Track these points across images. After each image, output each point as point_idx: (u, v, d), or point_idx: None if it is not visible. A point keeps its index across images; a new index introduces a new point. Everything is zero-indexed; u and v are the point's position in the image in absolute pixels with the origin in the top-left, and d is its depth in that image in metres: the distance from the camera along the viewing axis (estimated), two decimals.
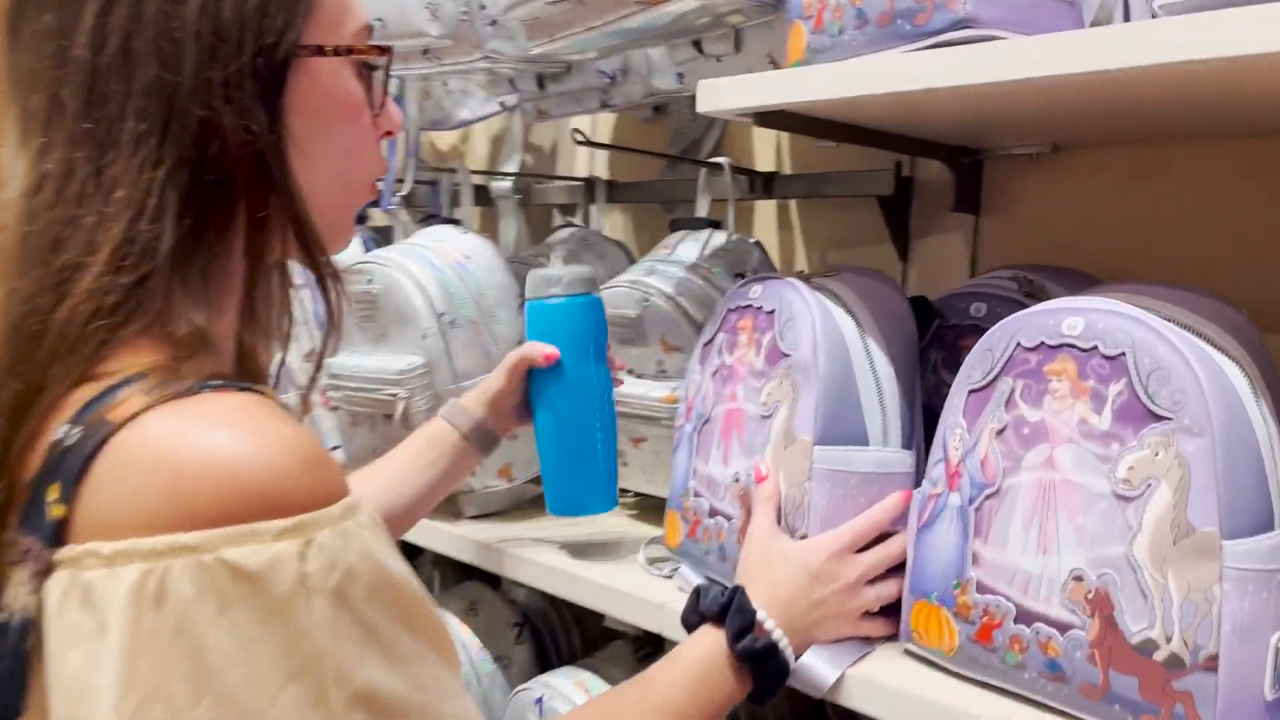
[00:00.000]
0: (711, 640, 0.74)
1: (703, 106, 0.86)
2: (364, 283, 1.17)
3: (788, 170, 1.27)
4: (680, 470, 0.96)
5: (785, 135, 1.28)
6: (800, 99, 0.78)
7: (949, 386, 0.97)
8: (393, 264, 1.15)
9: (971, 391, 0.76)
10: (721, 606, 0.74)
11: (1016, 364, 0.73)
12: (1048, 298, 0.93)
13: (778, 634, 0.74)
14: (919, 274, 1.14)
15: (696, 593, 0.77)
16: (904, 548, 0.80)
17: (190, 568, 0.44)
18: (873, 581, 0.80)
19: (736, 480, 0.88)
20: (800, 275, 0.92)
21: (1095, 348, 0.68)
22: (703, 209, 1.18)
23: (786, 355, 0.85)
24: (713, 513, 0.91)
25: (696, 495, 0.93)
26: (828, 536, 0.79)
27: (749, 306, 0.91)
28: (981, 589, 0.73)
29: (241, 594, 0.44)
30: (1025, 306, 0.92)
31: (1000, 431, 0.73)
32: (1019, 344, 0.73)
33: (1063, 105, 0.83)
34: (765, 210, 1.31)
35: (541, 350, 0.94)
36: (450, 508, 1.22)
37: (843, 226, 1.23)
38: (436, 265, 1.16)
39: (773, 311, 0.87)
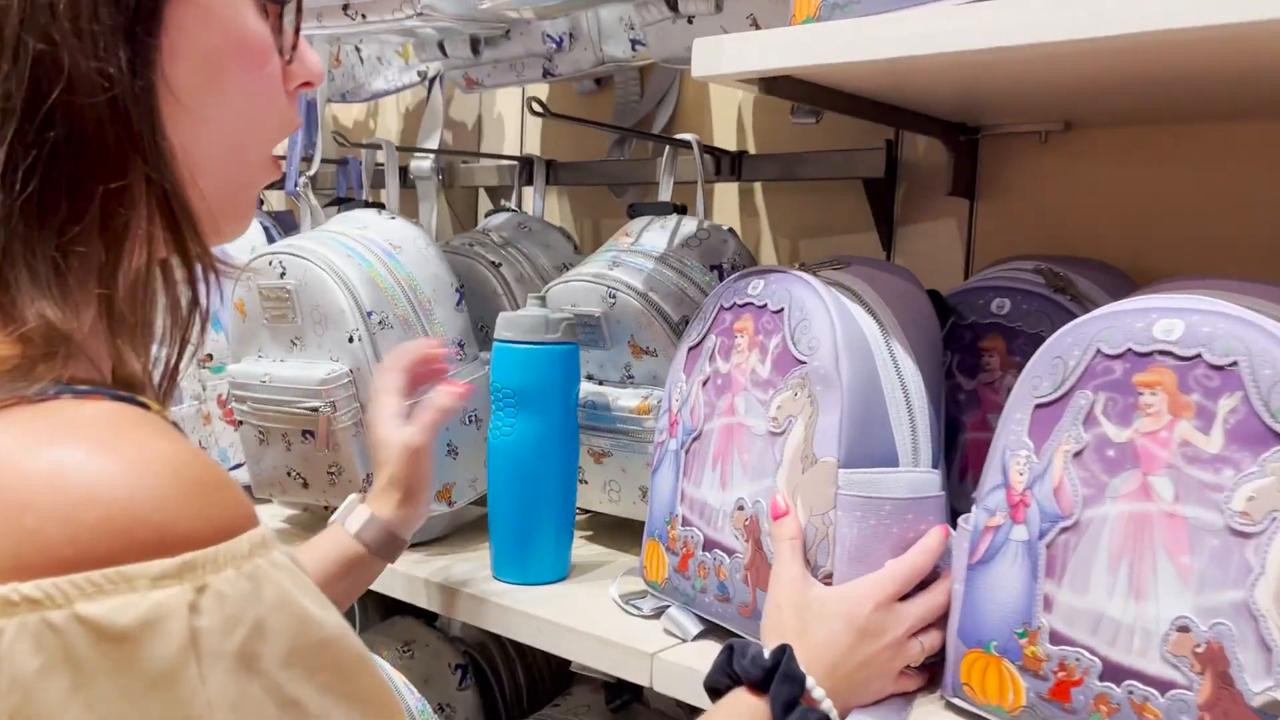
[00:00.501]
0: (750, 711, 0.61)
1: (700, 70, 0.73)
2: (274, 276, 1.00)
3: (753, 150, 1.15)
4: (664, 494, 0.83)
5: (750, 111, 1.16)
6: (831, 60, 0.65)
7: (965, 394, 0.86)
8: (310, 255, 0.98)
9: (1039, 406, 0.64)
10: (766, 670, 0.61)
11: (1096, 374, 0.62)
12: (1077, 293, 0.83)
13: (827, 704, 0.62)
14: (908, 265, 1.03)
15: (729, 651, 0.64)
16: (949, 593, 0.69)
17: (32, 629, 0.33)
18: (917, 632, 0.69)
19: (740, 508, 0.76)
20: (804, 267, 0.80)
21: (1199, 355, 0.58)
22: (666, 192, 1.04)
23: (802, 362, 0.73)
24: (709, 545, 0.78)
25: (686, 524, 0.80)
26: (870, 584, 0.68)
27: (749, 304, 0.78)
28: (1056, 639, 0.62)
29: (106, 662, 0.33)
30: (1055, 304, 0.83)
31: (1078, 454, 0.62)
32: (1099, 351, 0.62)
33: (1090, 74, 0.73)
34: (725, 195, 1.18)
35: (458, 392, 0.83)
36: None
37: (816, 212, 1.11)
38: (362, 256, 1.00)
39: (780, 311, 0.75)
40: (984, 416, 0.84)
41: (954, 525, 0.85)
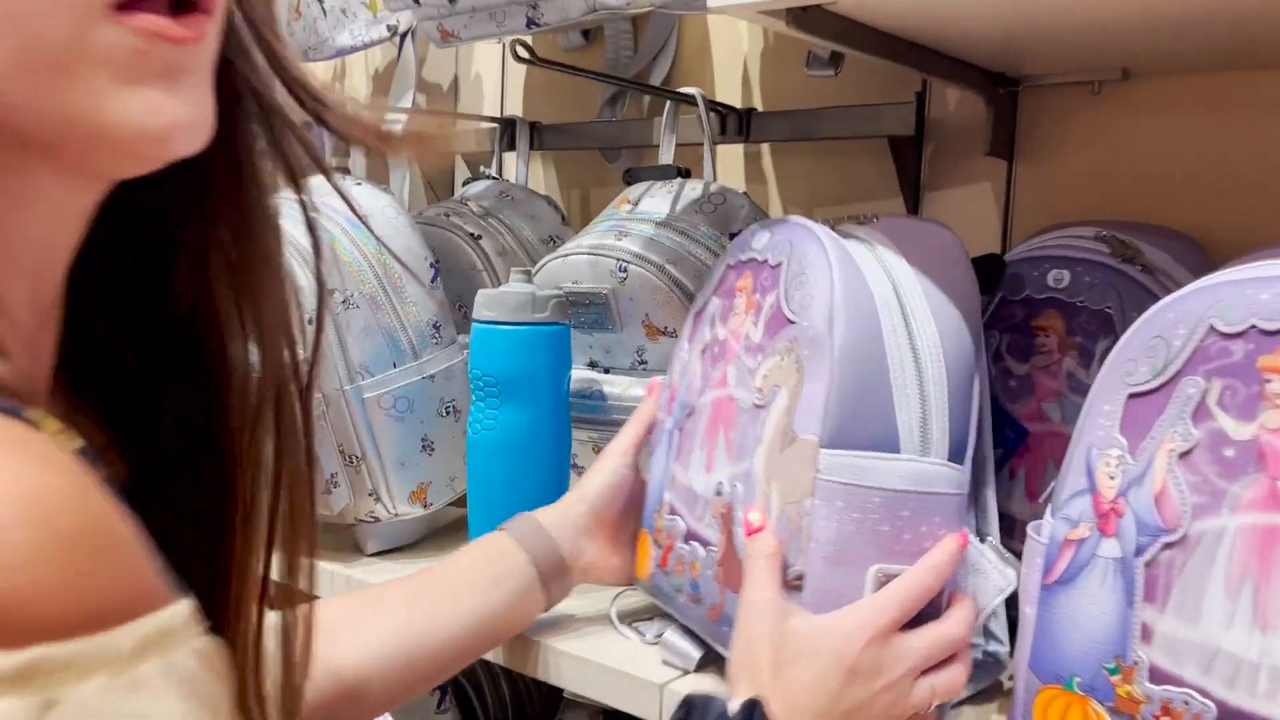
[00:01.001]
0: None
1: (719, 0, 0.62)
2: None
3: (760, 108, 1.03)
4: (655, 480, 0.73)
5: (756, 65, 1.04)
6: None
7: (1016, 379, 0.76)
8: None
9: (1134, 396, 0.53)
10: None
11: (1209, 356, 0.51)
12: (1148, 264, 0.72)
13: None
14: None
15: (686, 710, 0.53)
16: (971, 623, 0.58)
17: None
18: (926, 671, 0.57)
19: (719, 493, 0.65)
20: (825, 223, 0.68)
21: None
22: (667, 154, 0.93)
23: (792, 322, 0.61)
24: (689, 536, 0.68)
25: (672, 513, 0.70)
26: (865, 611, 0.56)
27: (751, 260, 0.68)
28: (1158, 677, 0.51)
29: None
30: (1124, 275, 0.72)
31: (1185, 454, 0.51)
32: (1212, 328, 0.51)
33: (1155, 12, 0.63)
34: (729, 158, 1.07)
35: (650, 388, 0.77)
36: (346, 541, 0.95)
37: (833, 176, 1.00)
38: (325, 227, 0.88)
39: (779, 265, 0.64)
40: (1038, 405, 0.74)
41: (1010, 533, 0.75)
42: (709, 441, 0.67)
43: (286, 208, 0.89)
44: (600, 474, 0.73)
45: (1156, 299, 0.71)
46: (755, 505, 0.61)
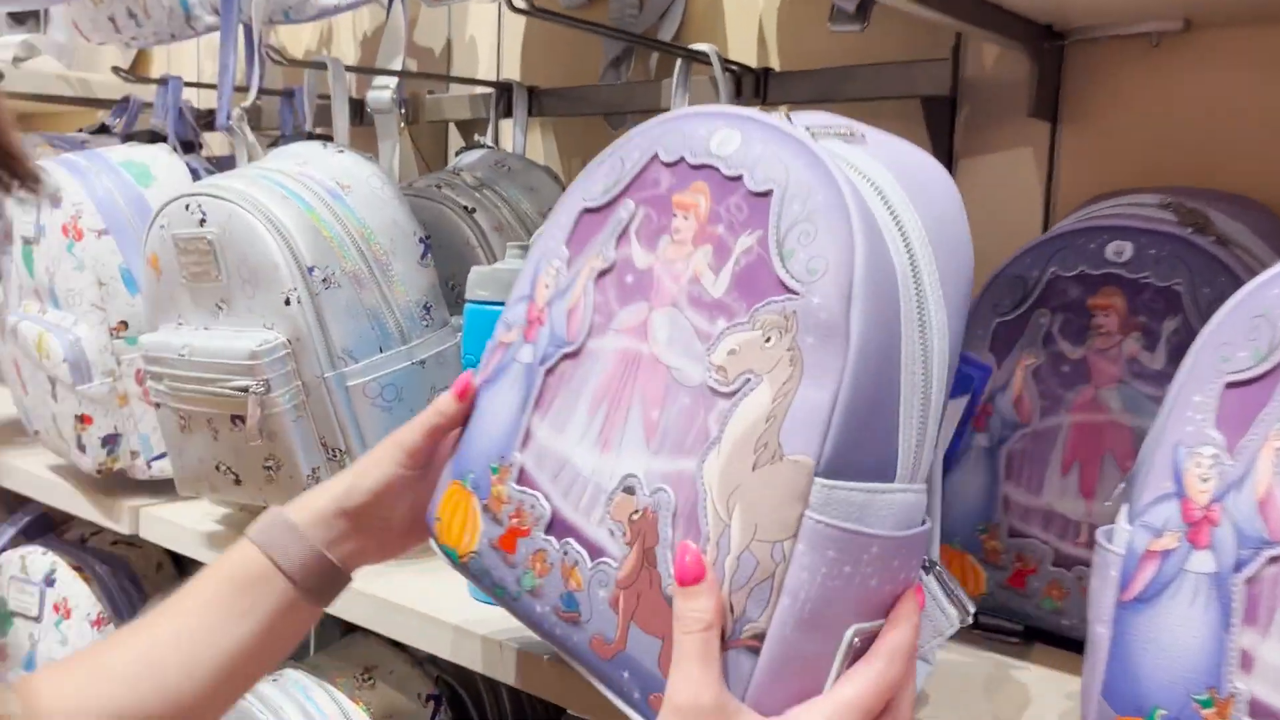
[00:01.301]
0: None
1: None
2: (192, 224, 0.80)
3: (778, 67, 0.95)
4: (496, 422, 0.56)
5: (773, 22, 0.96)
6: None
7: (1070, 364, 0.68)
8: (235, 196, 0.79)
9: (1231, 385, 0.46)
10: None
11: None
12: (1220, 235, 0.64)
13: None
14: (969, 205, 0.84)
15: None
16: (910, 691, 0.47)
17: None
18: None
19: (628, 490, 0.49)
20: (793, 120, 0.50)
21: None
22: None
23: (791, 291, 0.45)
24: (561, 529, 0.52)
25: (523, 483, 0.54)
26: (832, 706, 0.44)
27: (707, 167, 0.49)
28: (1259, 711, 0.44)
29: None
30: (1195, 248, 0.64)
31: None
32: None
33: None
34: None
35: (459, 385, 0.59)
36: None
37: None
38: (301, 198, 0.80)
39: (766, 194, 0.47)
40: (1095, 393, 0.66)
41: (1063, 535, 0.68)
42: (609, 407, 0.51)
43: (259, 178, 0.81)
44: (367, 475, 0.58)
45: (1232, 274, 0.64)
46: (695, 531, 0.46)
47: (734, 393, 0.46)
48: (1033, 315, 0.68)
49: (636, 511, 0.49)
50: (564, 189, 1.01)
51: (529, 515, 0.54)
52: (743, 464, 0.45)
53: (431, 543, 0.60)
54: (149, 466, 0.99)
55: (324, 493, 0.59)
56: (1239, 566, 0.45)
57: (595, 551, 0.50)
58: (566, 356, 0.54)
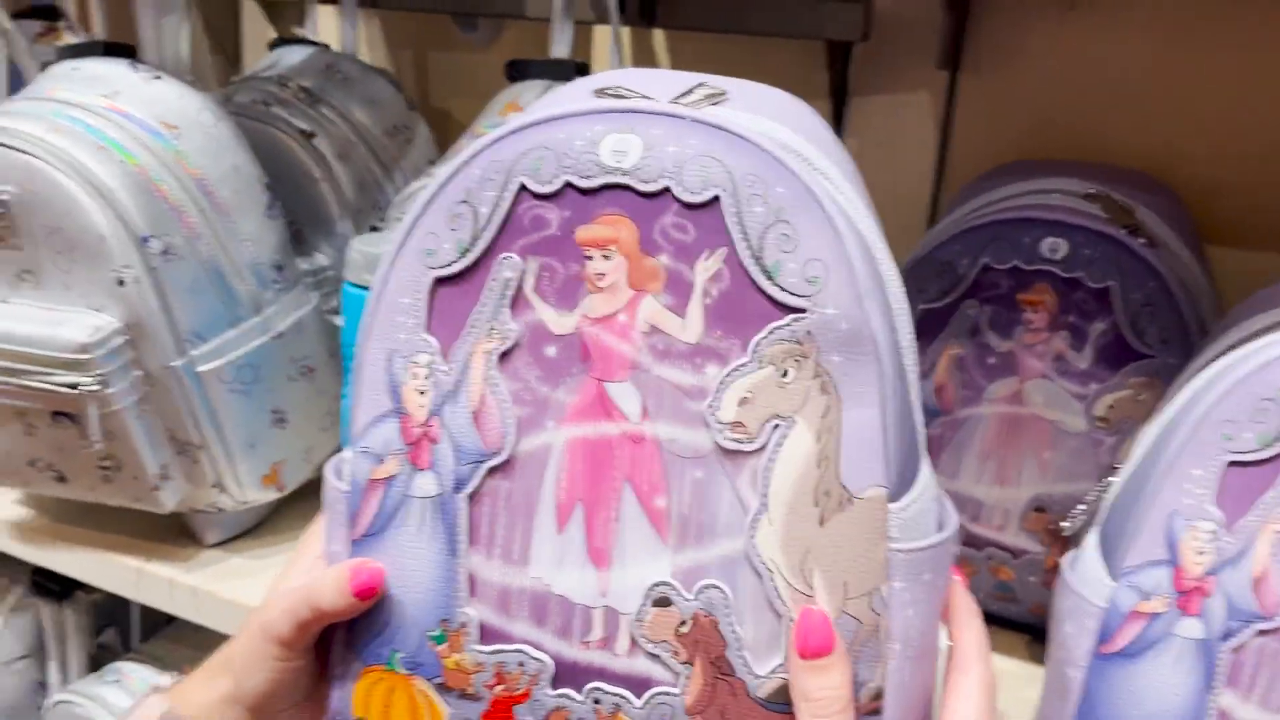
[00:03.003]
0: None
1: None
2: None
3: None
4: (417, 580, 0.43)
5: None
6: None
7: (996, 357, 0.68)
8: (34, 146, 0.63)
9: (1235, 464, 0.46)
10: None
11: None
12: (1150, 235, 0.65)
13: None
14: (857, 156, 0.81)
15: None
16: None
17: None
18: None
19: (662, 603, 0.42)
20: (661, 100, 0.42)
21: None
22: (563, 43, 0.75)
23: (798, 311, 0.38)
24: (573, 676, 0.43)
25: (488, 637, 0.43)
26: None
27: (610, 187, 0.39)
28: None
29: None
30: (1129, 250, 0.64)
31: None
32: None
33: None
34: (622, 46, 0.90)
35: (360, 578, 0.43)
36: (179, 529, 0.77)
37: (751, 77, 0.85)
38: (121, 146, 0.66)
39: (712, 202, 0.39)
40: (1020, 387, 0.67)
41: (975, 518, 0.69)
42: (586, 514, 0.42)
43: (59, 117, 0.66)
44: (250, 676, 0.45)
45: (1162, 280, 0.65)
46: (772, 617, 0.41)
47: (762, 447, 0.40)
48: (961, 305, 0.66)
49: (684, 623, 0.41)
50: (409, 102, 0.89)
51: (520, 675, 0.43)
52: (806, 523, 0.40)
53: None
54: None
55: (208, 685, 0.46)
56: (1227, 636, 0.47)
57: (639, 685, 0.42)
58: (493, 472, 0.42)
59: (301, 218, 0.81)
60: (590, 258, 0.40)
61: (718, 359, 0.40)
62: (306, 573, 0.45)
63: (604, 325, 0.41)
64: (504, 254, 0.40)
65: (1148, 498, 0.49)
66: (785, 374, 0.39)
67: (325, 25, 0.95)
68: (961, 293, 0.66)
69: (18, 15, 0.96)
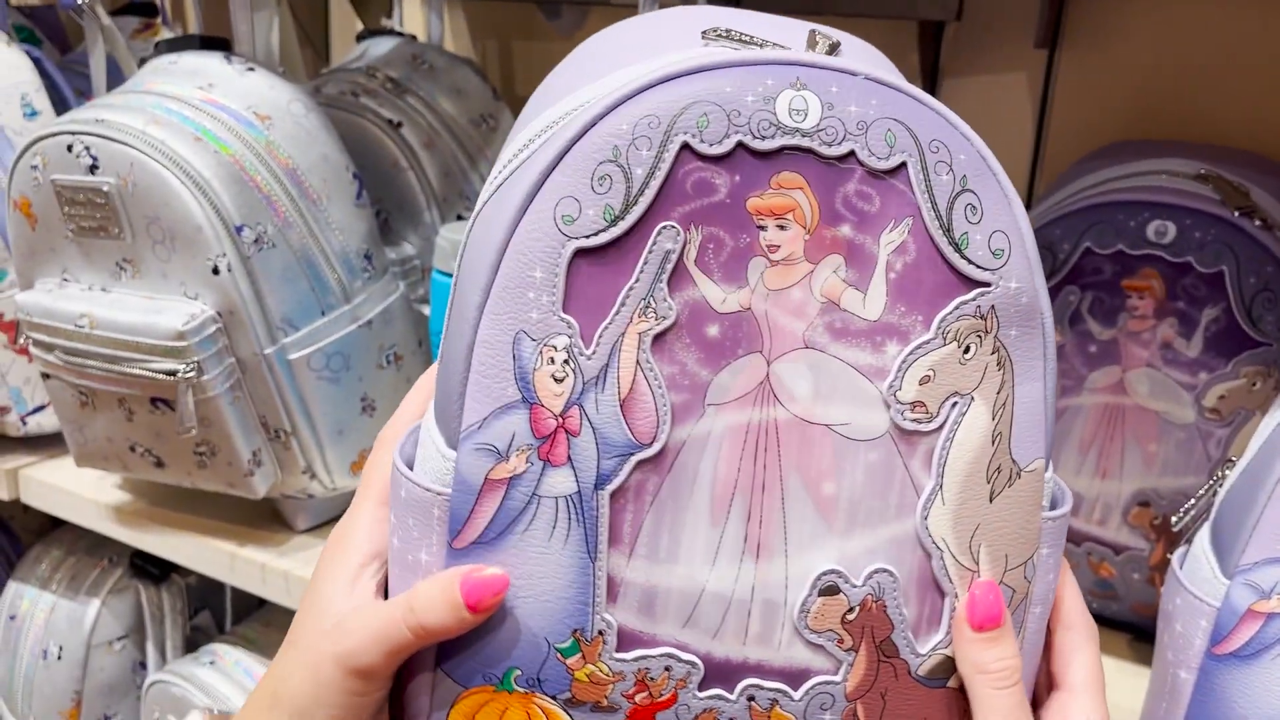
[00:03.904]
0: None
1: None
2: (80, 171, 0.66)
3: None
4: (545, 589, 0.39)
5: None
6: None
7: (1098, 345, 0.65)
8: (135, 139, 0.65)
9: None
10: None
11: None
12: (1264, 217, 0.62)
13: None
14: None
15: None
16: None
17: None
18: None
19: (829, 591, 0.39)
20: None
21: None
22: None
23: (983, 285, 0.37)
24: (725, 675, 0.40)
25: (628, 643, 0.39)
26: (1096, 708, 0.42)
27: (788, 150, 0.36)
28: None
29: None
30: (1244, 233, 0.61)
31: None
32: None
33: None
34: None
35: (475, 588, 0.37)
36: (268, 514, 0.79)
37: None
38: (217, 138, 0.67)
39: (898, 169, 0.36)
40: (1122, 377, 0.64)
41: (1075, 511, 0.66)
42: (749, 505, 0.39)
43: (158, 109, 0.68)
44: (317, 711, 0.38)
45: (1278, 263, 0.62)
46: (938, 596, 0.39)
47: (940, 426, 0.38)
48: (1061, 291, 0.64)
49: (852, 610, 0.39)
50: (495, 92, 0.89)
51: (666, 679, 0.40)
52: (978, 500, 0.39)
53: None
54: (23, 423, 0.85)
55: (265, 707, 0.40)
56: None
57: (797, 677, 0.40)
58: (642, 465, 0.38)
59: (389, 207, 0.82)
60: (764, 228, 0.36)
61: (899, 336, 0.37)
62: (352, 587, 0.40)
63: (775, 302, 0.37)
64: (663, 223, 0.36)
65: (1267, 491, 0.47)
66: (968, 350, 0.38)
67: (411, 16, 0.96)
68: (1061, 278, 0.64)
69: (116, 12, 0.99)
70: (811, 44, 0.39)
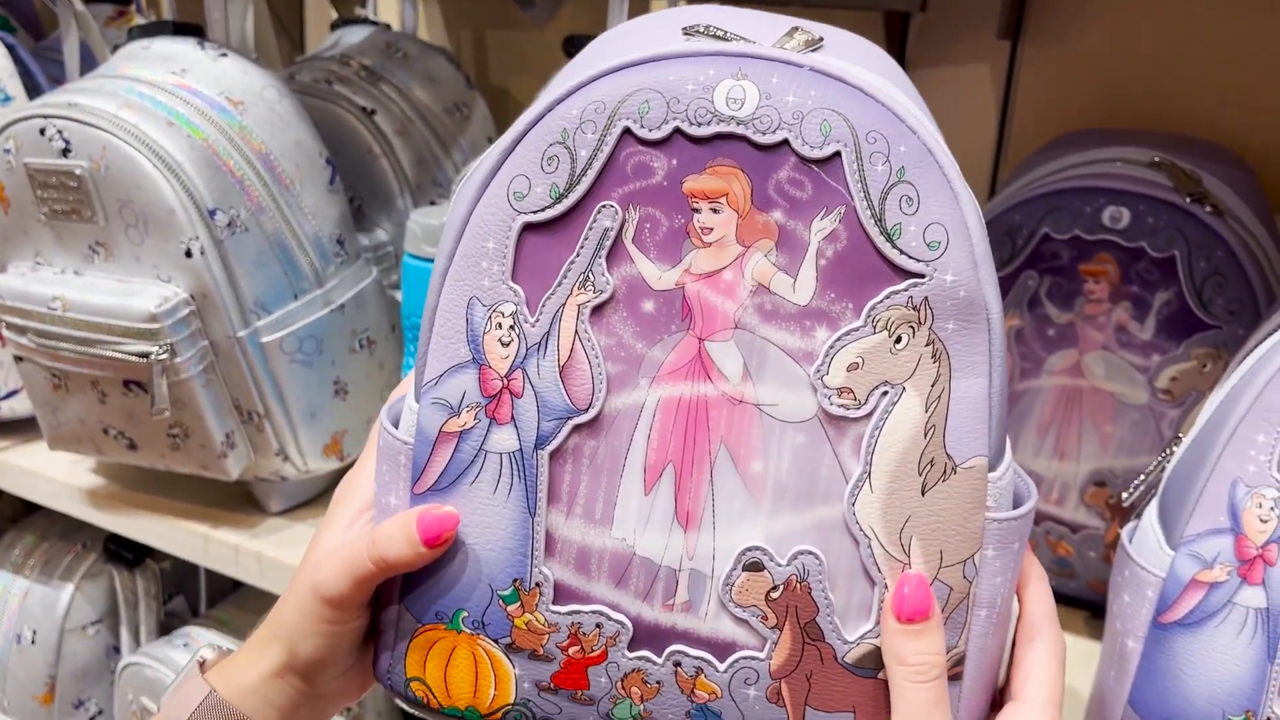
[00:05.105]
0: None
1: None
2: (52, 154, 0.66)
3: None
4: (490, 537, 0.41)
5: None
6: None
7: (1056, 328, 0.67)
8: (107, 122, 0.65)
9: None
10: None
11: None
12: (1217, 204, 0.63)
13: None
14: None
15: None
16: None
17: None
18: None
19: (753, 567, 0.41)
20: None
21: None
22: (619, 12, 0.75)
23: (916, 276, 0.37)
24: (653, 638, 0.42)
25: (563, 596, 0.42)
26: (1044, 710, 0.42)
27: (723, 136, 0.37)
28: None
29: None
30: (1195, 219, 0.63)
31: None
32: None
33: None
34: None
35: (430, 525, 0.41)
36: (241, 497, 0.79)
37: None
38: (190, 122, 0.67)
39: (833, 158, 0.37)
40: (1079, 360, 0.66)
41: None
42: (678, 475, 0.40)
43: (131, 94, 0.68)
44: (305, 639, 0.43)
45: (1229, 249, 0.63)
46: (866, 583, 0.40)
47: (869, 414, 0.39)
48: (1020, 276, 0.66)
49: (775, 588, 0.40)
50: (468, 80, 0.90)
51: (596, 636, 0.42)
52: (908, 491, 0.39)
53: (410, 710, 0.45)
54: None
55: (257, 658, 0.44)
56: None
57: (722, 649, 0.41)
58: (579, 429, 0.40)
59: (362, 193, 0.83)
60: (698, 210, 0.38)
61: (828, 322, 0.38)
62: (348, 529, 0.44)
63: (708, 282, 0.39)
64: (603, 202, 0.38)
65: (1209, 465, 0.48)
66: (898, 340, 0.38)
67: (385, 5, 0.96)
68: (1020, 263, 0.65)
69: None
70: (788, 38, 0.40)
